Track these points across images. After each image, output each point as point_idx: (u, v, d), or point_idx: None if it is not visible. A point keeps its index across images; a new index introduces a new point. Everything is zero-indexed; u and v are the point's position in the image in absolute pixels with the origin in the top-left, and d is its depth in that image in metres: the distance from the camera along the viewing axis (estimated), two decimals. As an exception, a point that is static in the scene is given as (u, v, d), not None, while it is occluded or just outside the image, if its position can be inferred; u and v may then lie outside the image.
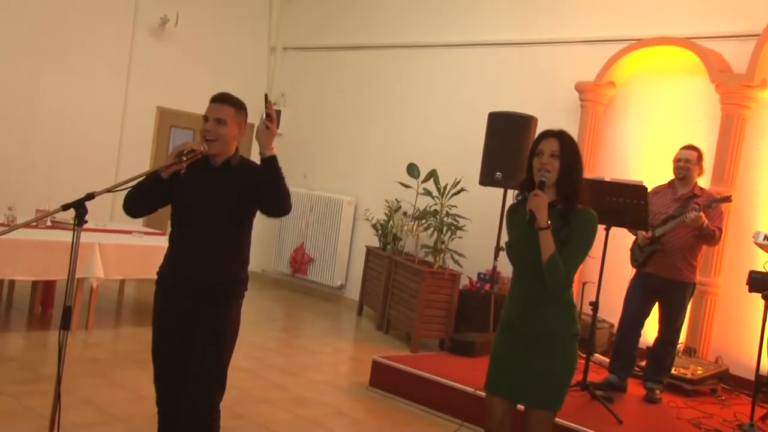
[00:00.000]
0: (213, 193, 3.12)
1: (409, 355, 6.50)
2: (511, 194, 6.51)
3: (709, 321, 6.28)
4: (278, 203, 3.06)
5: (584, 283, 5.88)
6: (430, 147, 8.36)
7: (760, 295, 4.93)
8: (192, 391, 3.10)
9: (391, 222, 8.18)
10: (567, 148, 2.97)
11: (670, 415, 5.17)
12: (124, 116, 8.98)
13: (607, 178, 5.66)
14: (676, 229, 5.29)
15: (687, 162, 5.42)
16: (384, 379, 5.60)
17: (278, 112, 9.62)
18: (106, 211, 8.13)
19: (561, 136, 2.99)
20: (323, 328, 7.84)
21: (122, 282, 7.56)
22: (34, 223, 5.83)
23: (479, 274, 7.47)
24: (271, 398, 5.19)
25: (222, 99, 3.15)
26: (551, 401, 2.98)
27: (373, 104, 9.23)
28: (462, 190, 7.32)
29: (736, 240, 6.19)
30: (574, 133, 7.02)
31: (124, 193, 3.14)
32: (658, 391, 5.45)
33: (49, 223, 6.36)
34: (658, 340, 5.52)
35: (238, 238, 3.20)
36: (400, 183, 7.85)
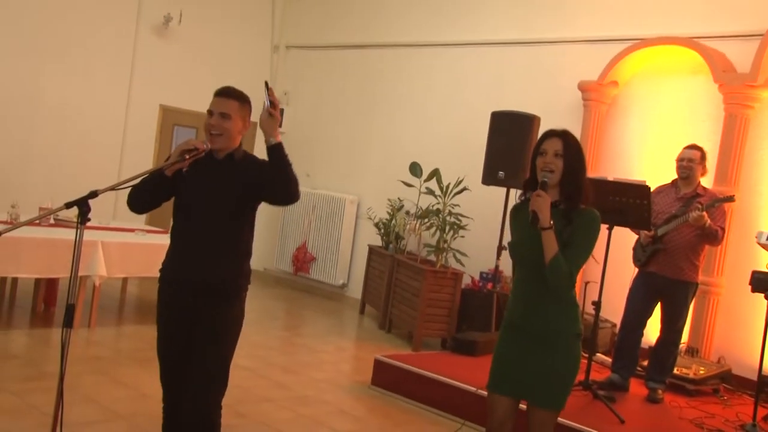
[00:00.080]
0: (215, 188, 3.11)
1: (411, 354, 6.50)
2: (514, 193, 6.51)
3: (711, 321, 6.28)
4: (287, 189, 3.03)
5: (587, 283, 5.87)
6: (433, 146, 8.36)
7: (762, 295, 4.93)
8: (192, 391, 3.09)
9: (393, 221, 8.18)
10: (570, 147, 2.97)
11: (672, 415, 5.17)
12: (127, 114, 8.99)
13: (610, 178, 5.66)
14: (678, 229, 5.28)
15: (690, 161, 5.42)
16: (386, 377, 5.60)
17: (281, 111, 9.61)
18: (109, 209, 8.15)
19: (564, 135, 2.99)
20: (325, 326, 7.84)
21: (125, 280, 7.57)
22: (38, 221, 5.84)
23: (481, 273, 7.47)
24: (272, 397, 5.19)
25: (226, 93, 3.14)
26: (554, 401, 2.98)
27: (376, 103, 9.23)
28: (464, 189, 7.31)
29: (739, 240, 6.19)
30: (576, 133, 7.03)
31: (126, 191, 3.15)
32: (660, 391, 5.45)
33: (52, 221, 6.37)
34: (660, 340, 5.51)
35: (240, 233, 3.19)
36: (403, 182, 7.85)
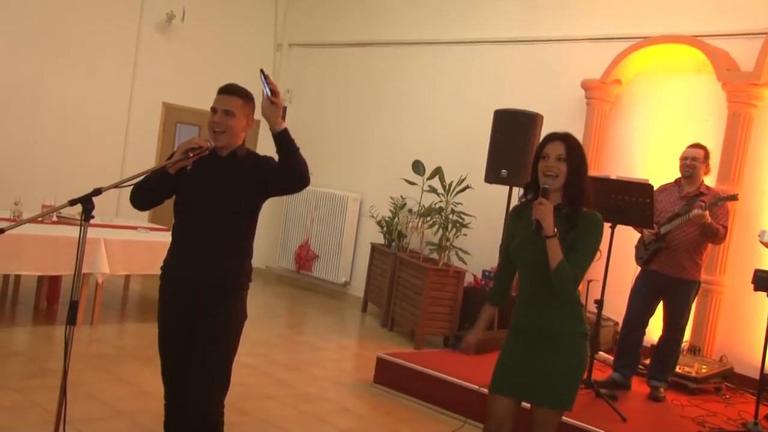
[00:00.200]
0: (217, 185, 3.11)
1: (413, 352, 6.50)
2: (517, 191, 6.51)
3: (713, 319, 6.27)
4: (298, 174, 3.02)
5: (589, 281, 5.87)
6: (436, 144, 8.36)
7: (765, 293, 4.92)
8: (194, 391, 3.09)
9: (396, 219, 8.18)
10: (573, 151, 2.95)
11: (674, 414, 5.17)
12: (129, 112, 8.99)
13: (613, 176, 5.65)
14: (681, 227, 5.28)
15: (694, 160, 5.42)
16: (388, 375, 5.61)
17: (284, 109, 9.60)
18: (112, 206, 8.16)
19: (567, 138, 2.97)
20: (327, 324, 7.85)
21: (127, 278, 7.58)
22: (40, 219, 5.86)
23: (484, 271, 7.46)
24: (275, 394, 5.20)
25: (230, 90, 3.14)
26: (556, 400, 2.96)
27: (379, 101, 9.22)
28: (467, 187, 7.31)
29: (742, 238, 6.18)
30: (580, 131, 7.09)
31: (129, 189, 3.15)
32: (662, 390, 5.45)
33: (54, 219, 6.38)
34: (662, 339, 5.51)
35: (242, 232, 3.18)
36: (406, 180, 7.85)
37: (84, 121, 8.56)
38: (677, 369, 5.67)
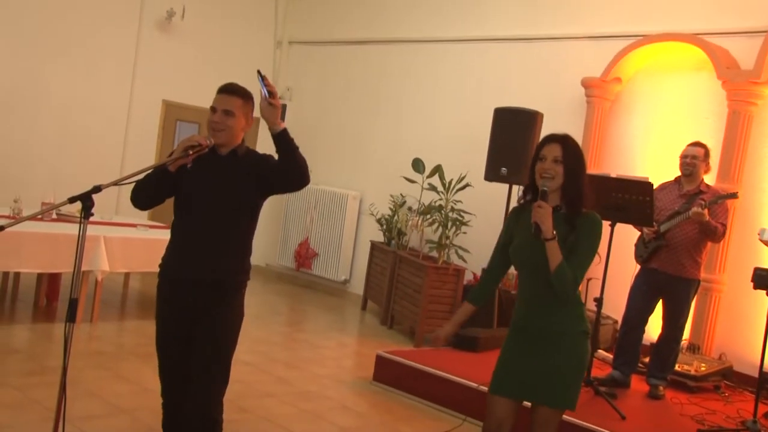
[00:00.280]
0: (217, 183, 3.11)
1: (412, 350, 6.50)
2: (517, 190, 6.51)
3: (713, 318, 6.28)
4: (298, 173, 3.04)
5: (589, 280, 5.87)
6: (435, 142, 8.36)
7: (764, 292, 4.92)
8: (193, 389, 3.09)
9: (395, 217, 8.18)
10: (570, 153, 2.95)
11: (674, 412, 5.17)
12: (129, 109, 8.99)
13: (613, 174, 5.65)
14: (681, 226, 5.28)
15: (694, 158, 5.42)
16: (388, 373, 5.61)
17: (283, 106, 9.61)
18: (111, 204, 8.16)
19: (564, 140, 2.96)
20: (327, 322, 7.85)
21: (127, 275, 7.57)
22: (40, 216, 5.85)
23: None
24: (274, 392, 5.20)
25: (230, 90, 3.14)
26: (557, 399, 2.96)
27: (379, 99, 9.22)
28: (467, 185, 7.31)
29: (742, 237, 6.19)
30: (580, 129, 7.09)
31: (129, 187, 3.14)
32: (661, 388, 5.45)
33: (54, 216, 6.38)
34: (661, 337, 5.51)
35: (241, 230, 3.18)
36: (405, 178, 7.85)
37: (84, 119, 8.56)
38: (676, 367, 5.68)
